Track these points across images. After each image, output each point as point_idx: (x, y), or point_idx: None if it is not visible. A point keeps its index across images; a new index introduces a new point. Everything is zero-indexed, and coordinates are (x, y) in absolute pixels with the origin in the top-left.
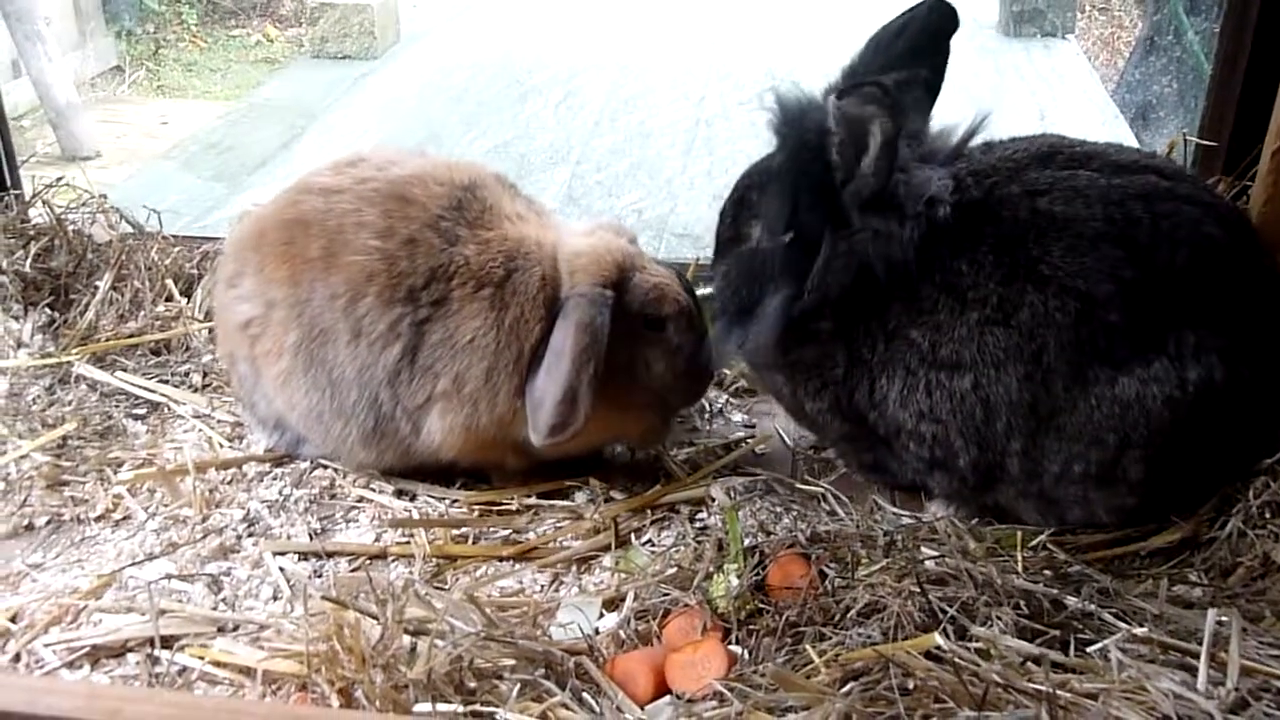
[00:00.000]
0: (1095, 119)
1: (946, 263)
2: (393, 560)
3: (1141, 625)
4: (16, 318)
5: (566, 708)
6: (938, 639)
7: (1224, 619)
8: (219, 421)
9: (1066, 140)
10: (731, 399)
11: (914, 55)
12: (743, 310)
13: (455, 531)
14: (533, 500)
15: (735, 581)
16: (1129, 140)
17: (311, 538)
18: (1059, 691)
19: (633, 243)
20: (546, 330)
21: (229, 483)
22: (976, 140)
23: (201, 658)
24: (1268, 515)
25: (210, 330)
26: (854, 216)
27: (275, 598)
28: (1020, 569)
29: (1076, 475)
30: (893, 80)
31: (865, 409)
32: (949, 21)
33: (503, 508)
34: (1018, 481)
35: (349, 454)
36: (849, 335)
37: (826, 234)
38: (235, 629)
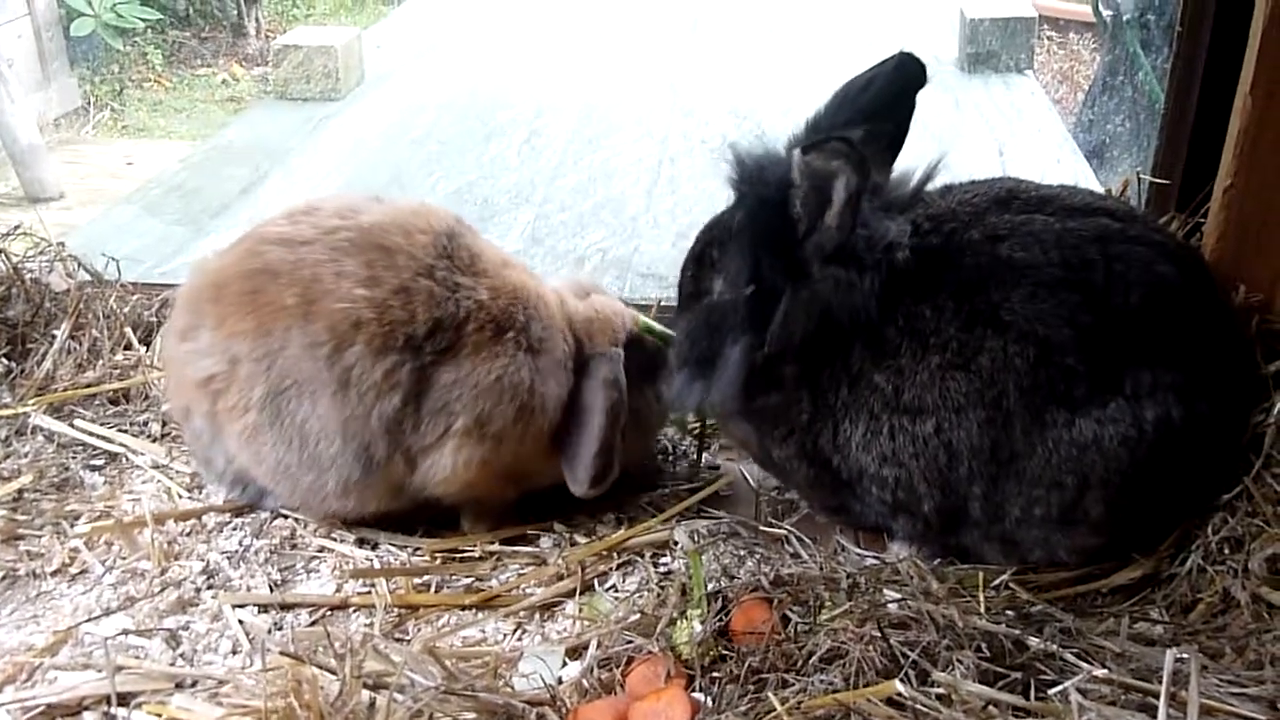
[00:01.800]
0: (1053, 155)
1: (909, 307)
2: (354, 611)
3: (1103, 665)
4: None
5: None
6: (898, 686)
7: (1184, 657)
8: (178, 471)
9: (1023, 184)
10: (694, 440)
11: (879, 109)
12: (703, 361)
13: (417, 580)
14: (495, 546)
15: (699, 627)
16: (1087, 177)
17: (272, 589)
18: None
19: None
20: (576, 382)
21: (188, 534)
22: (934, 184)
23: (159, 715)
24: (1227, 551)
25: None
26: (815, 267)
27: (234, 651)
28: (982, 609)
29: (1038, 518)
30: (858, 136)
31: (829, 453)
32: (916, 77)
33: (465, 555)
34: (980, 525)
35: (320, 505)
36: (813, 380)
37: (787, 285)
38: (193, 685)
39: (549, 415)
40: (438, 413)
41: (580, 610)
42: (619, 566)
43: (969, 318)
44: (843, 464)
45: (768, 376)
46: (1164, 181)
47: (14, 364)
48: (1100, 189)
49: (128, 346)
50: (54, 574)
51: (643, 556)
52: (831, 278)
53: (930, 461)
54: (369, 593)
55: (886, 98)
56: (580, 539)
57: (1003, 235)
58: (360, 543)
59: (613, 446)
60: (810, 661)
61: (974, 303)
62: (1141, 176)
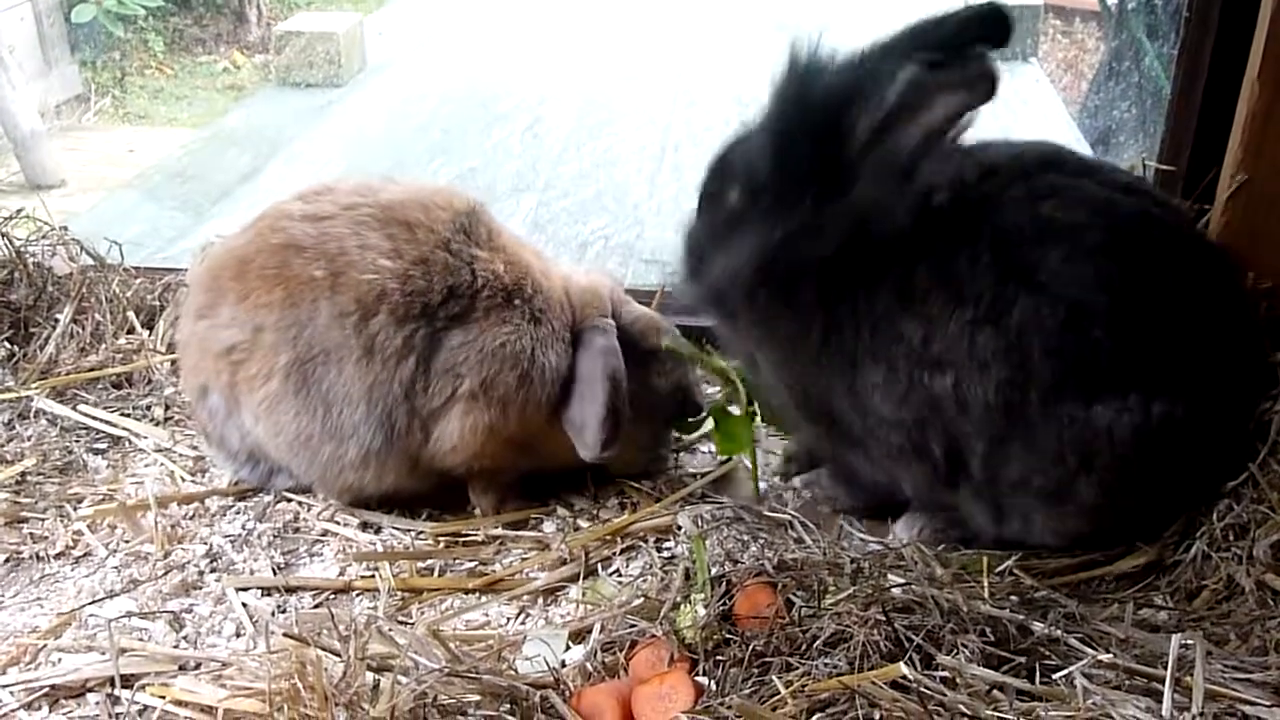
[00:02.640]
0: (1059, 142)
1: (944, 252)
2: (358, 594)
3: (1107, 650)
4: None
5: None
6: (903, 669)
7: (1189, 643)
8: (181, 455)
9: (1067, 149)
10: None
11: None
12: (716, 247)
13: (421, 564)
14: (499, 531)
15: (702, 611)
16: None
17: (275, 572)
18: None
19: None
20: (572, 356)
21: (191, 517)
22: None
23: (163, 697)
24: (1231, 538)
25: (173, 362)
26: (862, 179)
27: (238, 634)
28: (986, 594)
29: (1033, 488)
30: (990, 64)
31: (841, 394)
32: (1003, 31)
33: (469, 538)
34: (973, 481)
35: (336, 478)
36: (830, 311)
37: (816, 192)
38: (197, 667)
39: (548, 385)
40: (445, 374)
41: (584, 594)
42: (622, 551)
43: (1004, 272)
44: (854, 408)
45: (781, 289)
46: (1170, 168)
47: (17, 348)
48: None
49: (130, 330)
50: (57, 557)
51: (646, 541)
52: (875, 193)
53: (944, 411)
54: (372, 576)
55: (969, 45)
56: (584, 523)
57: (1046, 195)
58: (364, 526)
59: (619, 410)
60: (814, 645)
61: (1011, 257)
62: (1147, 163)
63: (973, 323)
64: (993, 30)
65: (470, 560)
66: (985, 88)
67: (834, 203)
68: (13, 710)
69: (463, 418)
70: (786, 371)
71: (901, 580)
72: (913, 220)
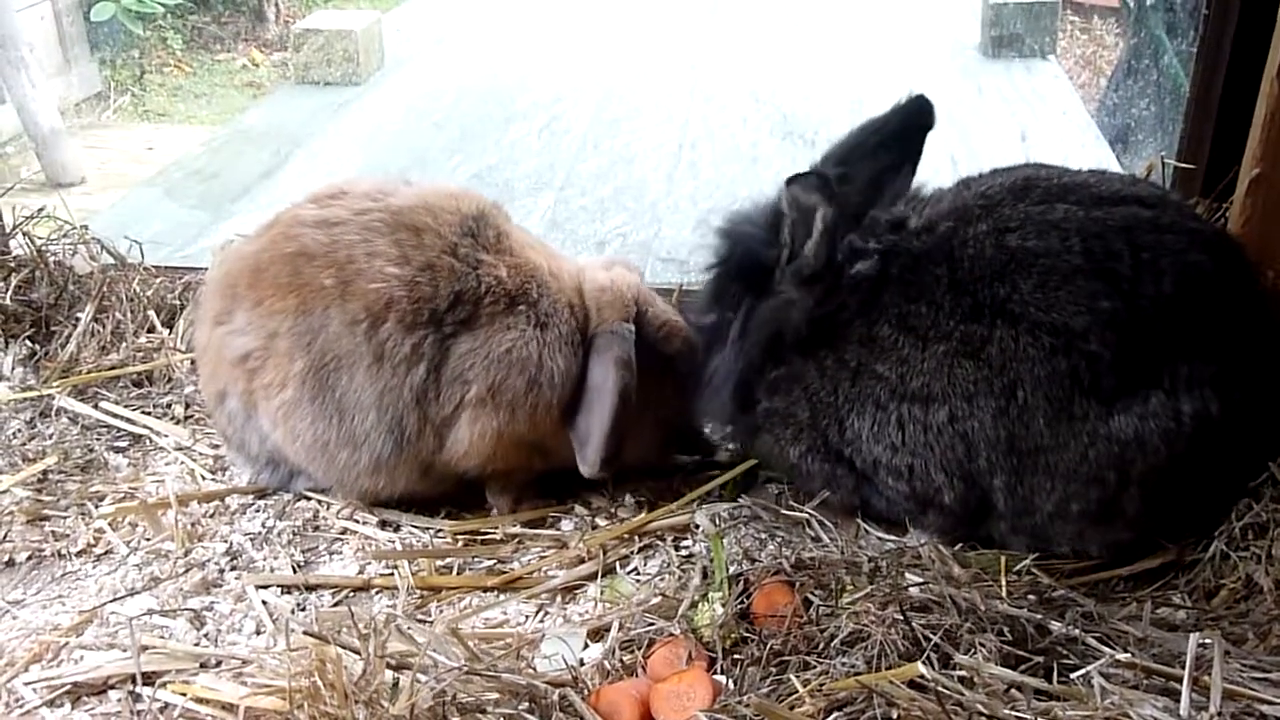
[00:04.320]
0: (1076, 140)
1: (901, 308)
2: (377, 592)
3: (1125, 649)
4: None
5: None
6: (921, 668)
7: (1206, 642)
8: (201, 454)
9: (1045, 171)
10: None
11: (889, 145)
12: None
13: (439, 562)
14: (517, 529)
15: (720, 610)
16: (1110, 162)
17: (295, 570)
18: None
19: (641, 278)
20: (583, 359)
21: (211, 516)
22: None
23: (184, 694)
24: (1250, 537)
25: (193, 361)
26: (784, 288)
27: (258, 632)
28: (1004, 594)
29: (1074, 513)
30: (834, 174)
31: (839, 445)
32: (926, 118)
33: (487, 537)
34: (1006, 517)
35: (353, 483)
36: (804, 380)
37: (748, 304)
38: (218, 664)
39: (557, 389)
40: (454, 381)
41: (602, 593)
42: (640, 549)
43: (973, 310)
44: (855, 456)
45: (760, 384)
46: (1189, 166)
47: (38, 346)
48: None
49: (151, 329)
50: (79, 554)
51: (664, 540)
52: (783, 297)
53: (946, 451)
54: (391, 574)
55: (897, 135)
56: (601, 522)
57: (1013, 227)
58: (383, 524)
59: (622, 429)
60: (832, 644)
61: (977, 296)
62: (1166, 161)
63: (950, 355)
64: (924, 116)
65: (489, 558)
66: (829, 196)
67: (758, 307)
68: (36, 707)
69: (472, 424)
70: (789, 436)
71: (919, 579)
72: (827, 303)
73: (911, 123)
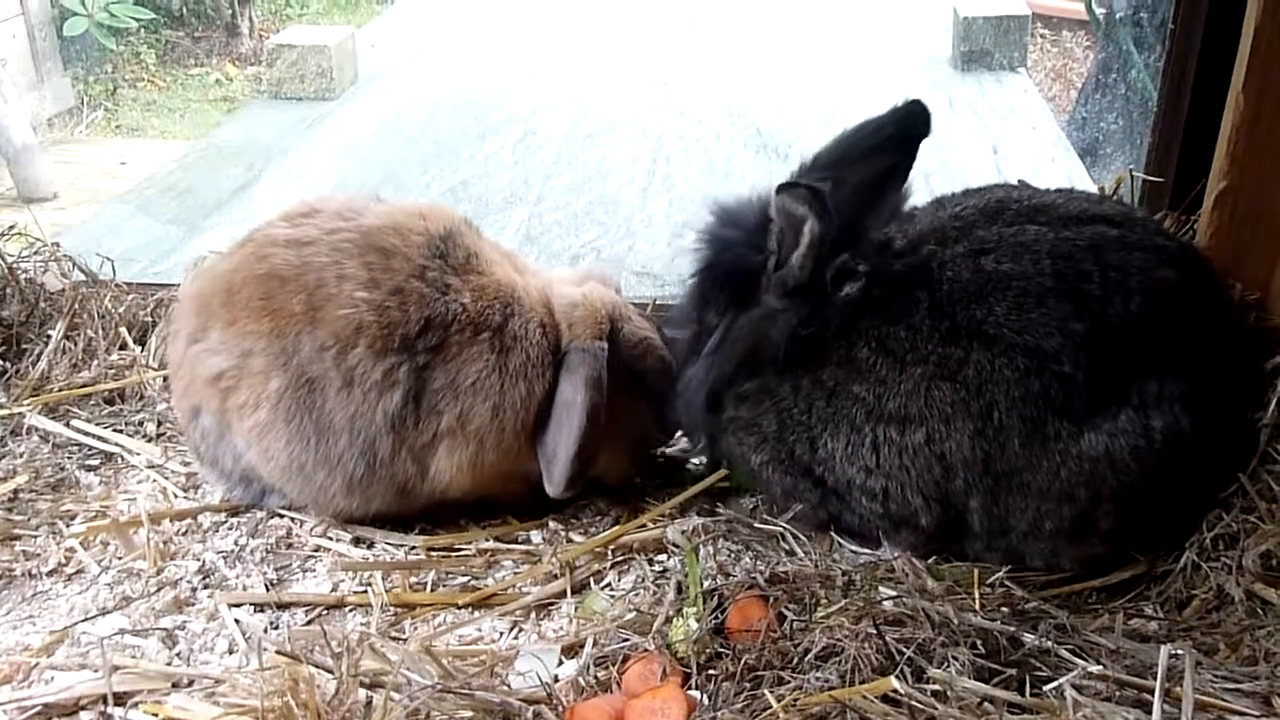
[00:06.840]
0: (1046, 153)
1: (880, 330)
2: (350, 610)
3: (1098, 661)
4: None
5: None
6: (894, 682)
7: (1178, 653)
8: (173, 471)
9: (1016, 192)
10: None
11: (879, 151)
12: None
13: (413, 579)
14: (490, 544)
15: (695, 625)
16: (1080, 175)
17: (268, 588)
18: None
19: (617, 291)
20: (553, 378)
21: (184, 534)
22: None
23: (156, 715)
24: (1221, 547)
25: (165, 379)
26: (769, 299)
27: (231, 651)
28: (978, 607)
29: (1047, 532)
30: (823, 181)
31: (809, 463)
32: (921, 125)
33: (461, 552)
34: (982, 537)
35: (328, 503)
36: (776, 393)
37: (731, 313)
38: (190, 684)
39: (522, 414)
40: (430, 412)
41: (576, 609)
42: (614, 565)
43: (950, 334)
44: (828, 475)
45: (729, 394)
46: (1157, 179)
47: (9, 364)
48: (1094, 187)
49: (123, 346)
50: (50, 574)
51: (638, 554)
52: (765, 308)
53: (923, 472)
54: (365, 592)
55: (891, 142)
56: (575, 537)
57: (988, 249)
58: (357, 542)
59: (590, 447)
60: (806, 659)
61: (955, 319)
62: (1135, 174)
63: (927, 377)
64: (919, 123)
65: (462, 574)
66: (819, 209)
67: (739, 319)
68: None
69: (449, 455)
70: (752, 443)
71: (893, 593)
72: (819, 318)
73: (906, 129)
